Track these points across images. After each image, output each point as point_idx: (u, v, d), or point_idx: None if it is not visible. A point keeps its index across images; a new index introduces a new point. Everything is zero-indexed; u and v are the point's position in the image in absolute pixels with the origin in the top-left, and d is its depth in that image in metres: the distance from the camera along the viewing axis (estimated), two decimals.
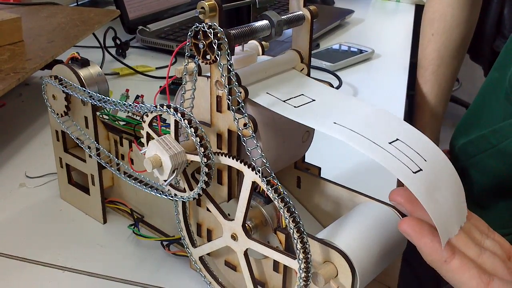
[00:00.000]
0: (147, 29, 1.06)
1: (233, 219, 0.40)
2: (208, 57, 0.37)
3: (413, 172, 0.33)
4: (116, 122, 0.56)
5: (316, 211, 0.49)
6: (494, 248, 0.36)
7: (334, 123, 0.36)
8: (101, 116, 0.54)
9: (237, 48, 0.44)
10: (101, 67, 0.91)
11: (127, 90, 0.58)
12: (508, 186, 0.75)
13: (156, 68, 0.95)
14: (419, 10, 1.29)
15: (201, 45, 0.37)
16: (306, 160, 0.49)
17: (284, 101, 0.40)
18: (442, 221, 0.33)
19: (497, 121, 0.76)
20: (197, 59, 0.38)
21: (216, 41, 0.36)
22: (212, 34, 0.36)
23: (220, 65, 0.37)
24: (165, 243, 0.49)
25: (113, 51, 0.98)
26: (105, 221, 0.54)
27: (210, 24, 0.36)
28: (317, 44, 1.07)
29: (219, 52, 0.36)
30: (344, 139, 0.35)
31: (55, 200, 0.58)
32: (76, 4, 1.19)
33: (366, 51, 1.01)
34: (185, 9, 1.18)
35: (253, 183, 0.37)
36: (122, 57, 0.98)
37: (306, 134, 0.45)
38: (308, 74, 0.45)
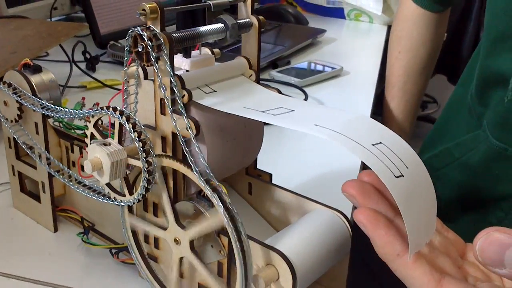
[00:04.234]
0: (118, 44, 1.06)
1: (189, 230, 0.39)
2: (148, 59, 0.37)
3: (395, 176, 0.32)
4: (72, 130, 0.55)
5: (268, 217, 0.48)
6: (446, 246, 0.35)
7: (315, 125, 0.34)
8: (55, 123, 0.53)
9: (195, 52, 0.44)
10: (68, 80, 0.91)
11: (83, 98, 0.57)
12: (472, 199, 0.75)
13: None
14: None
15: (140, 48, 0.37)
16: (258, 167, 0.49)
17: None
18: (415, 231, 0.31)
19: (461, 135, 0.77)
20: (138, 62, 0.38)
21: (154, 44, 0.36)
22: (149, 37, 0.36)
23: (160, 68, 0.37)
24: (114, 251, 0.48)
25: (83, 65, 0.98)
26: (56, 230, 0.53)
27: (147, 26, 0.36)
28: (288, 61, 1.08)
29: (157, 54, 0.36)
30: (327, 137, 0.33)
31: (7, 209, 0.57)
32: (49, 20, 1.19)
33: (335, 68, 1.02)
34: None
35: None
36: (92, 71, 0.98)
37: (256, 138, 0.45)
38: (257, 81, 0.45)
